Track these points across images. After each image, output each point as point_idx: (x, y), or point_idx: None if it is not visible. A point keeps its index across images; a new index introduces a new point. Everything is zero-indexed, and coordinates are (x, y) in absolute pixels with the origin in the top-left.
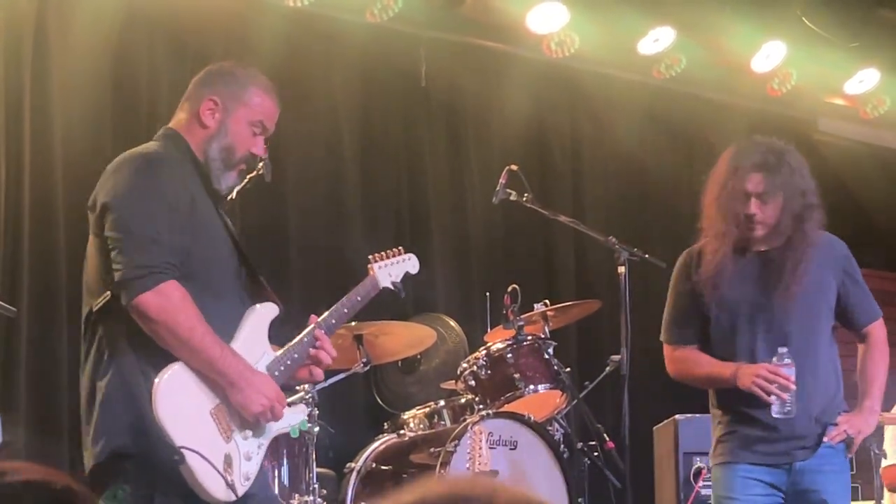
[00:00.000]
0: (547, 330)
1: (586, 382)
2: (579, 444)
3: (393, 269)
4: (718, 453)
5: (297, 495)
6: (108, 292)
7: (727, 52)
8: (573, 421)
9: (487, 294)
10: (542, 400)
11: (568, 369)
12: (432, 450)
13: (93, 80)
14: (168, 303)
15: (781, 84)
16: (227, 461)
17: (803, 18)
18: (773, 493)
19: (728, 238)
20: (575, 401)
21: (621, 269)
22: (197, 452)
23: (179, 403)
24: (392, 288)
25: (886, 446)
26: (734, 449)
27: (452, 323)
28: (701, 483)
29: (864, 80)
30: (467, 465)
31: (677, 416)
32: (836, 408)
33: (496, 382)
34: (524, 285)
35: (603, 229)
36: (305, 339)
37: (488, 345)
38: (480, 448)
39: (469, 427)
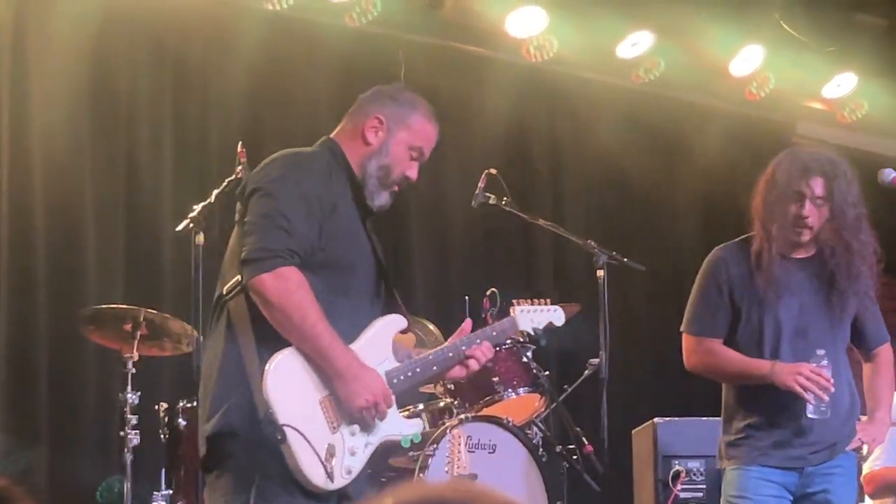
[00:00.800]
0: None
1: (565, 386)
2: (558, 448)
3: (536, 316)
4: (733, 456)
5: None
6: (239, 276)
7: (706, 56)
8: (552, 424)
9: (466, 297)
10: (521, 403)
11: (547, 373)
12: (411, 453)
13: (72, 82)
14: (284, 286)
15: (760, 88)
16: (330, 451)
17: (781, 23)
18: (783, 494)
19: (778, 240)
20: (554, 404)
21: (600, 273)
22: (299, 432)
23: (289, 386)
24: (532, 333)
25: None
26: (750, 453)
27: (431, 326)
28: (679, 486)
29: (841, 85)
30: (446, 469)
31: (656, 420)
32: (854, 419)
33: (475, 386)
34: (503, 288)
35: (582, 233)
36: (432, 356)
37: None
38: (459, 452)
39: (448, 430)
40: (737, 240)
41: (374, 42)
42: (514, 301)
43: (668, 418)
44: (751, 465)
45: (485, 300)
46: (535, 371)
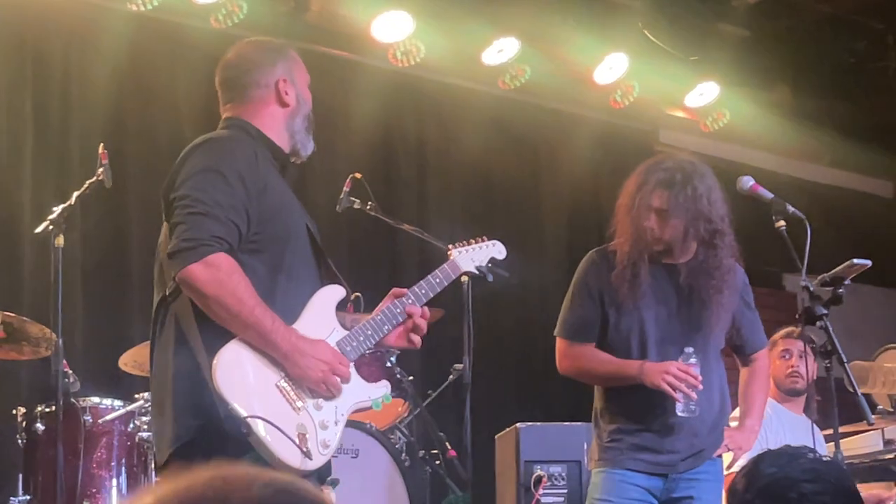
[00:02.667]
0: None
1: (429, 391)
2: (421, 453)
3: (476, 254)
4: (600, 458)
5: None
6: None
7: (571, 64)
8: (416, 429)
9: (349, 311)
10: (385, 408)
11: (411, 378)
12: None
13: None
14: (216, 274)
15: (624, 96)
16: (301, 430)
17: (645, 31)
18: (648, 498)
19: (635, 246)
20: (418, 409)
21: (465, 278)
22: (264, 420)
23: (242, 378)
24: (476, 273)
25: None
26: (617, 456)
27: None
28: (541, 491)
29: (704, 94)
30: None
31: (519, 425)
32: (723, 425)
33: None
34: (368, 293)
35: (447, 238)
36: (379, 317)
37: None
38: None
39: None
40: (609, 244)
41: None
42: (449, 246)
43: (530, 423)
44: (616, 468)
45: (349, 305)
46: (398, 376)
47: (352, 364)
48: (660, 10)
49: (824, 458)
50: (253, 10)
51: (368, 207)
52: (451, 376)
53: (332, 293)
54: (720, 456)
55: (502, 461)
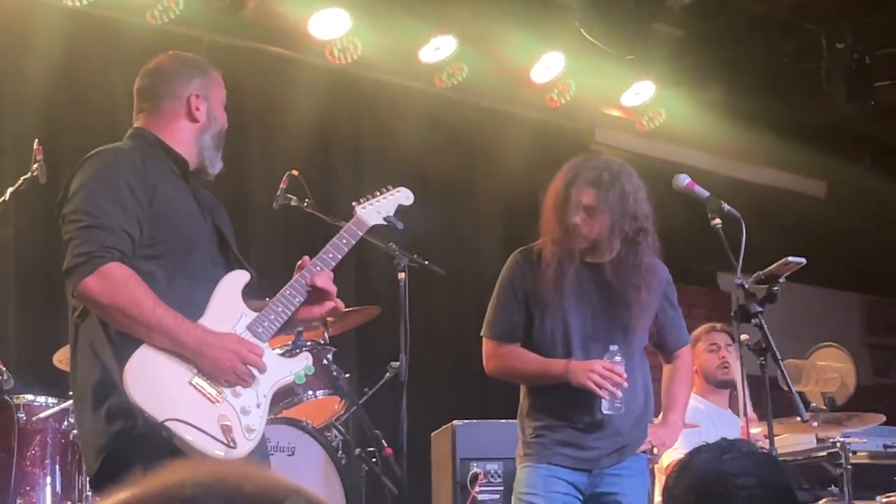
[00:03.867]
0: (326, 336)
1: (366, 388)
2: (357, 451)
3: (381, 206)
4: (526, 454)
5: (69, 503)
6: None
7: (508, 63)
8: (352, 427)
9: (267, 299)
10: (321, 406)
11: (347, 375)
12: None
13: None
14: (111, 283)
15: (560, 95)
16: (222, 421)
17: (581, 30)
18: (573, 492)
19: (562, 245)
20: (354, 407)
21: (401, 276)
22: (181, 422)
23: (154, 382)
24: (386, 223)
25: (668, 454)
26: (541, 451)
27: None
28: (478, 488)
29: (640, 93)
30: None
31: (455, 422)
32: (646, 421)
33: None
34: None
35: (383, 236)
36: (288, 291)
37: (276, 349)
38: None
39: None
40: (534, 244)
41: (176, 41)
42: (353, 203)
43: (466, 421)
44: (541, 463)
45: None
46: (335, 373)
47: (266, 344)
48: (596, 10)
49: (758, 452)
50: (189, 6)
51: (305, 204)
52: (387, 374)
53: (237, 279)
54: (644, 452)
55: (438, 459)
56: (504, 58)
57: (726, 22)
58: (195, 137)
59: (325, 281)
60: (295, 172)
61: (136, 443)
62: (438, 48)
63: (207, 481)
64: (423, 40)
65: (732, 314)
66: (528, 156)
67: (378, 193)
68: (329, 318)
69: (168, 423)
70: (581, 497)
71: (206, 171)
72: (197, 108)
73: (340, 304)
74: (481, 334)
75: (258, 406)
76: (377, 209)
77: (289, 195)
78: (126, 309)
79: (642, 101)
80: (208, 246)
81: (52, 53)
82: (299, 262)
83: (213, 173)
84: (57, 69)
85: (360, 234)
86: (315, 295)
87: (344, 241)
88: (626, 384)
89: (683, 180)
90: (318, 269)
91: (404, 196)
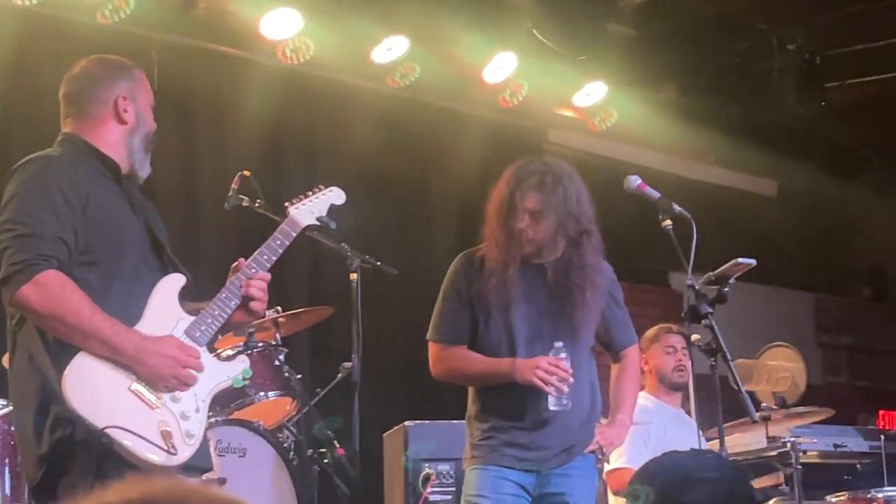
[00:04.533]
0: (279, 336)
1: (318, 389)
2: (309, 451)
3: (314, 205)
4: (474, 456)
5: None
6: None
7: (460, 63)
8: (304, 428)
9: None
10: (273, 407)
11: (299, 376)
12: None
13: None
14: (47, 292)
15: (513, 95)
16: (161, 427)
17: (534, 31)
18: (522, 493)
19: (506, 248)
20: (306, 408)
21: (353, 276)
22: (121, 428)
23: (92, 390)
24: (319, 223)
25: (616, 452)
26: (489, 453)
27: None
28: (430, 489)
29: (592, 93)
30: None
31: (407, 423)
32: (594, 421)
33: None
34: None
35: (336, 236)
36: (224, 294)
37: (219, 351)
38: None
39: None
40: (478, 246)
41: (127, 40)
42: (286, 203)
43: (419, 422)
44: (489, 464)
45: None
46: (286, 374)
47: (204, 348)
48: (548, 10)
49: (721, 456)
50: (139, 5)
51: (257, 205)
52: (339, 375)
53: (172, 283)
54: (592, 451)
55: (391, 459)
56: (456, 58)
57: (678, 22)
58: (124, 140)
59: (258, 290)
60: (247, 173)
61: (76, 451)
62: (391, 48)
63: (149, 500)
64: (375, 40)
65: (683, 315)
66: (480, 156)
67: (310, 193)
68: (281, 320)
69: (108, 431)
70: (529, 498)
71: (137, 175)
72: (125, 110)
73: (259, 309)
74: (427, 338)
75: (197, 411)
76: (310, 209)
77: (241, 196)
78: (63, 317)
79: (594, 102)
80: (143, 249)
81: (2, 53)
82: (234, 265)
83: (142, 177)
84: (7, 69)
85: (294, 234)
86: (248, 300)
87: (278, 241)
88: (571, 379)
89: (634, 181)
90: (253, 271)
91: (336, 195)
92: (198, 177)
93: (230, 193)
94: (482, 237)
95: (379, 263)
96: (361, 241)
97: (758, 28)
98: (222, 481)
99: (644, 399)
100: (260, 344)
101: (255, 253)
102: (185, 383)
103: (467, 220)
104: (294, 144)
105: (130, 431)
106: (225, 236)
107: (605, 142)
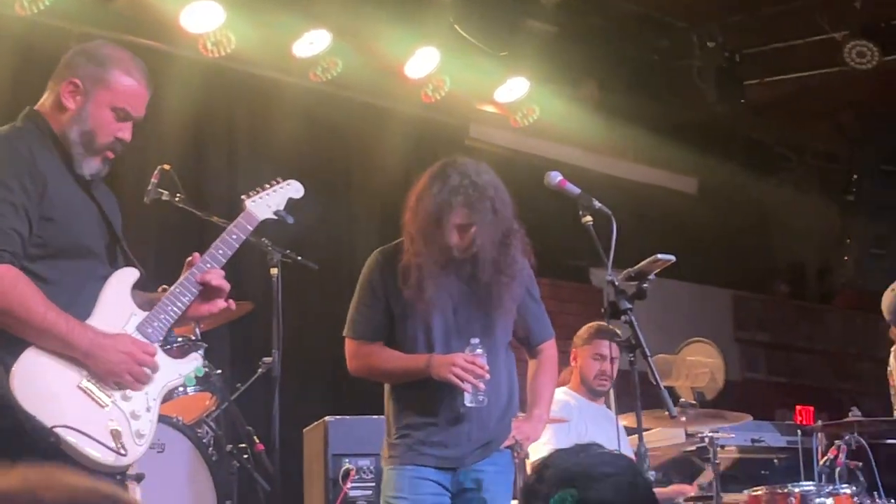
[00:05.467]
0: (198, 331)
1: (238, 384)
2: (229, 447)
3: (271, 199)
4: (391, 455)
5: None
6: None
7: (382, 58)
8: (223, 423)
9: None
10: (192, 402)
11: (219, 371)
12: None
13: None
14: None
15: (435, 90)
16: (112, 427)
17: (455, 26)
18: (441, 492)
19: (430, 256)
20: (226, 403)
21: (274, 271)
22: (70, 427)
23: (42, 386)
24: (276, 217)
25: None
26: (406, 452)
27: None
28: (349, 484)
29: (513, 89)
30: None
31: (327, 418)
32: (510, 416)
33: None
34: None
35: (257, 231)
36: (177, 289)
37: (167, 346)
38: None
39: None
40: (394, 243)
41: (46, 32)
42: (243, 196)
43: (339, 417)
44: (406, 464)
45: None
46: (206, 369)
47: (157, 346)
48: (470, 6)
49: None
50: None
51: (177, 199)
52: (259, 370)
53: (125, 277)
54: (509, 447)
55: (310, 455)
56: (378, 53)
57: (599, 19)
58: (68, 127)
59: (219, 279)
60: (167, 167)
61: (20, 446)
62: (312, 42)
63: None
64: (296, 34)
65: (603, 311)
66: (403, 151)
67: (268, 186)
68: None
69: (57, 430)
70: (449, 494)
71: (79, 167)
72: (65, 96)
73: (232, 304)
74: (343, 334)
75: (148, 410)
76: (267, 202)
77: (160, 189)
78: (16, 312)
79: (516, 98)
80: (96, 241)
81: None
82: (189, 259)
83: (81, 174)
84: None
85: (251, 228)
86: (206, 292)
87: (234, 236)
88: (487, 376)
89: (555, 178)
90: (208, 265)
91: (294, 189)
92: (117, 170)
93: (150, 187)
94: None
95: (300, 258)
96: (282, 236)
97: (678, 26)
98: (140, 477)
99: (566, 395)
100: (179, 339)
101: (210, 247)
102: (141, 380)
103: (389, 216)
104: (215, 138)
105: (79, 431)
106: (144, 231)
107: (526, 138)
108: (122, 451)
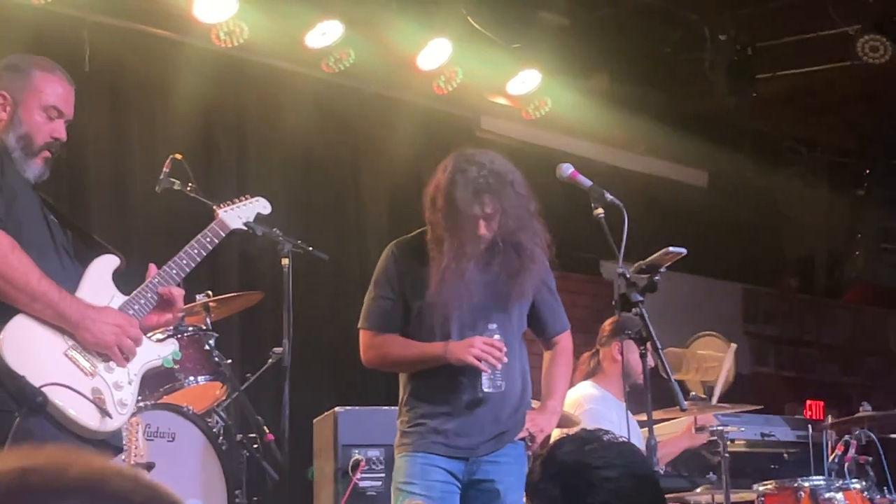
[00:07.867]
0: (209, 321)
1: (248, 374)
2: (239, 436)
3: (241, 211)
4: (403, 443)
5: None
6: None
7: (394, 49)
8: (233, 413)
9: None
10: (202, 391)
11: (229, 361)
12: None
13: None
14: None
15: (447, 82)
16: (96, 393)
17: (468, 18)
18: (451, 480)
19: (459, 250)
20: (236, 393)
21: (285, 261)
22: (60, 385)
23: (30, 350)
24: (245, 228)
25: None
26: (419, 440)
27: None
28: (359, 475)
29: (525, 81)
30: (123, 458)
31: (337, 409)
32: (524, 408)
33: (155, 372)
34: (186, 277)
35: (267, 221)
36: (157, 278)
37: (148, 335)
38: (137, 440)
39: None
40: (411, 235)
41: (58, 21)
42: (214, 206)
43: (349, 407)
44: (418, 451)
45: None
46: (216, 359)
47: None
48: None
49: (617, 442)
50: None
51: (188, 189)
52: (270, 360)
53: (107, 262)
54: (523, 439)
55: (320, 445)
56: (391, 44)
57: (611, 11)
58: (3, 135)
59: (176, 294)
60: (178, 156)
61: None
62: (325, 33)
63: (29, 466)
64: (309, 25)
65: (613, 303)
66: (413, 142)
67: (238, 201)
68: (211, 304)
69: (45, 389)
70: (459, 485)
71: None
72: (1, 106)
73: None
74: (359, 326)
75: (130, 383)
76: (238, 214)
77: (172, 179)
78: (12, 277)
79: (528, 90)
80: (42, 225)
81: None
82: (151, 266)
83: (29, 179)
84: None
85: (223, 234)
86: (162, 303)
87: (207, 239)
88: (506, 359)
89: (567, 170)
90: (184, 262)
91: (262, 206)
92: (129, 159)
93: (161, 176)
94: (414, 224)
95: (311, 249)
96: (293, 227)
97: (690, 19)
98: (150, 466)
99: (594, 388)
100: (190, 328)
101: (186, 246)
102: (129, 352)
103: (399, 207)
104: (226, 129)
105: (71, 389)
106: (156, 219)
107: (537, 130)
108: (109, 415)
